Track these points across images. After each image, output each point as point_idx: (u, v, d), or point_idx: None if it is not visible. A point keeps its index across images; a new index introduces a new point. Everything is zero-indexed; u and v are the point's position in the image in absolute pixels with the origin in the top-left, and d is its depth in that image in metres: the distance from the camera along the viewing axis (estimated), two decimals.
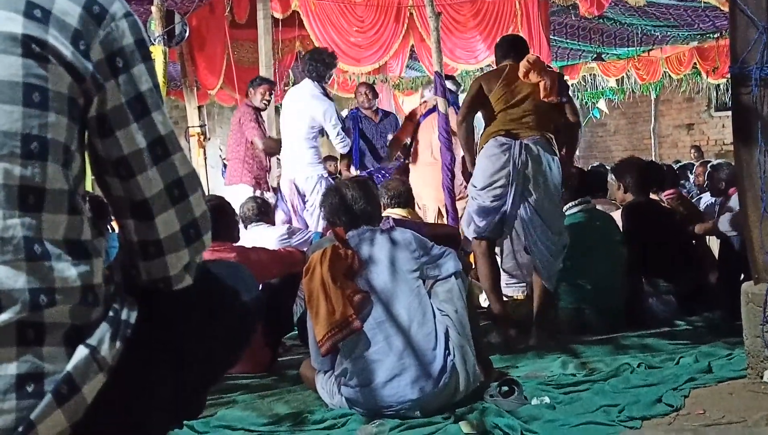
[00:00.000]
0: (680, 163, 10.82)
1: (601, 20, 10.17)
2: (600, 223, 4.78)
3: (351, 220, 3.15)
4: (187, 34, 6.92)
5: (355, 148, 6.79)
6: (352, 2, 8.14)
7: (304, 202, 5.91)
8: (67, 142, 1.14)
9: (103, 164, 1.22)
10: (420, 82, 11.21)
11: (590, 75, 14.00)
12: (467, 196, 4.55)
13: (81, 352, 1.13)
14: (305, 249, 4.40)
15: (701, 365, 3.38)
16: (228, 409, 3.10)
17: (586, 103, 14.93)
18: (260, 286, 3.88)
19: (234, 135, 6.31)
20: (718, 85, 13.47)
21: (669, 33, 11.34)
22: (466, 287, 3.15)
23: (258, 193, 6.09)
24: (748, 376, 3.07)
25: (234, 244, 3.93)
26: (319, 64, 5.91)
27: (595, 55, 12.26)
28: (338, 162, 8.05)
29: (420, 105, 6.61)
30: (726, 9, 6.24)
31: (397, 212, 4.68)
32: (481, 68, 9.76)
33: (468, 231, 4.27)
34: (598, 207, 5.06)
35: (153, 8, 6.08)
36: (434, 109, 6.11)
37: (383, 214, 4.01)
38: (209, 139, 8.32)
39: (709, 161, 7.81)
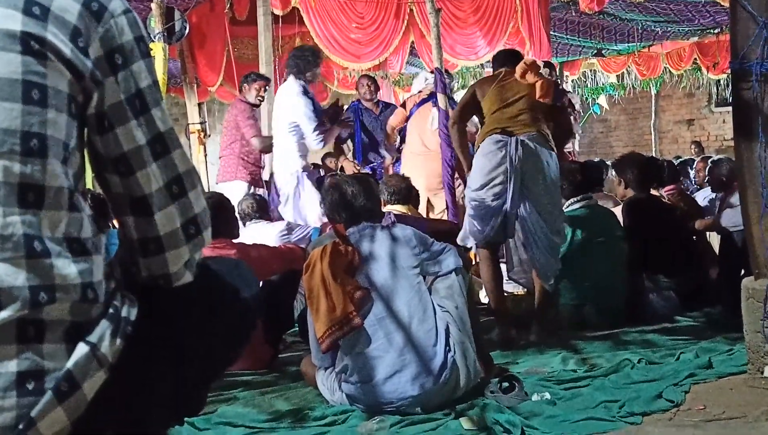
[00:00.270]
0: (681, 159, 10.82)
1: (601, 16, 10.17)
2: (601, 219, 4.78)
3: (351, 217, 3.15)
4: (187, 31, 6.91)
5: (357, 140, 6.80)
6: None
7: (278, 196, 5.90)
8: (67, 140, 1.14)
9: (103, 161, 1.22)
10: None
11: (590, 71, 14.00)
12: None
13: (81, 349, 1.13)
14: (305, 245, 4.40)
15: (702, 361, 3.38)
16: (229, 405, 3.11)
17: (587, 99, 14.91)
18: (260, 282, 3.89)
19: (229, 131, 6.30)
20: (719, 81, 13.47)
21: (669, 28, 11.33)
22: (467, 283, 3.15)
23: (253, 189, 6.10)
24: (748, 372, 3.07)
25: (234, 241, 3.93)
26: (300, 61, 5.89)
27: (596, 51, 12.25)
28: (337, 158, 8.04)
29: (412, 96, 6.62)
30: (726, 4, 6.24)
31: (397, 208, 4.69)
32: (482, 64, 9.77)
33: (467, 242, 4.22)
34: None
35: (153, 5, 6.09)
36: (427, 99, 6.14)
37: (384, 211, 4.00)
38: (209, 136, 8.32)
39: (710, 157, 7.82)
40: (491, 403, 2.88)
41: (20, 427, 1.08)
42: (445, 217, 5.69)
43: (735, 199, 4.42)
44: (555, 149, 4.22)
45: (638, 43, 11.84)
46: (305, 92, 5.81)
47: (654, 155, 12.69)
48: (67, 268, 1.12)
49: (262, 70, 6.86)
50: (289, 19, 7.75)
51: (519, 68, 4.24)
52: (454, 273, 3.08)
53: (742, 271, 4.06)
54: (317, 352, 3.06)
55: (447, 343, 2.92)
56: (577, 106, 8.13)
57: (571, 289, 4.57)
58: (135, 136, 1.21)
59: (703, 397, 2.93)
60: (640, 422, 2.70)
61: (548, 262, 4.18)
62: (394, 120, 6.54)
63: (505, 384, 2.99)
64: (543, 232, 4.12)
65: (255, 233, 4.73)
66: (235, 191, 5.81)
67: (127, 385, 1.20)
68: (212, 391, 2.88)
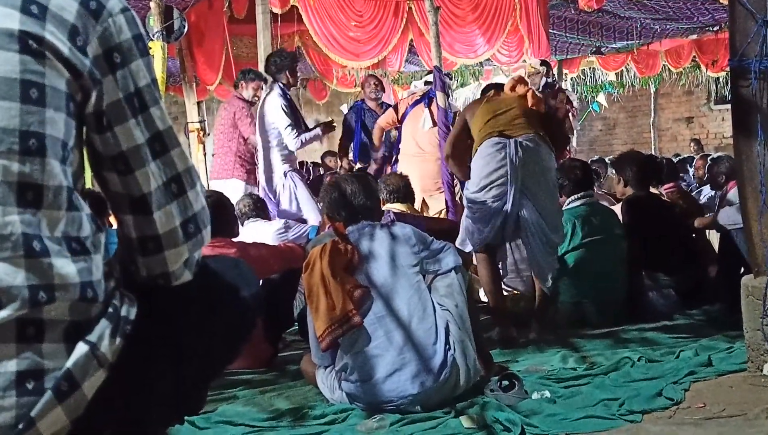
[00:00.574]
0: (680, 157, 10.84)
1: (600, 14, 10.16)
2: (601, 217, 4.78)
3: (351, 215, 3.15)
4: (185, 29, 6.91)
5: (356, 140, 6.79)
6: None
7: (268, 197, 5.89)
8: (66, 139, 1.14)
9: (102, 160, 1.22)
10: (420, 76, 11.20)
11: (589, 69, 14.00)
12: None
13: (81, 348, 1.13)
14: (302, 243, 4.40)
15: (701, 359, 3.38)
16: (229, 404, 3.11)
17: (586, 96, 14.91)
18: (260, 281, 3.89)
19: (225, 129, 6.29)
20: (718, 78, 13.47)
21: (668, 26, 11.32)
22: (466, 282, 3.15)
23: (248, 188, 6.11)
24: (748, 370, 3.07)
25: (233, 240, 3.93)
26: (271, 65, 5.93)
27: (595, 49, 12.25)
28: (337, 157, 8.05)
29: (407, 96, 6.62)
30: (725, 2, 6.24)
31: (396, 207, 4.68)
32: (481, 63, 9.77)
33: (465, 246, 4.21)
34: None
35: (152, 4, 6.08)
36: (420, 100, 6.14)
37: (383, 209, 4.00)
38: (208, 134, 8.33)
39: (709, 154, 7.83)
40: (491, 401, 2.88)
41: (20, 426, 1.08)
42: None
43: (734, 196, 4.42)
44: (553, 150, 4.23)
45: (637, 41, 11.83)
46: (282, 94, 5.82)
47: (653, 153, 12.72)
48: (66, 267, 1.12)
49: (261, 68, 6.85)
50: (287, 18, 7.74)
51: (508, 82, 4.35)
52: (453, 271, 3.08)
53: (742, 269, 4.07)
54: (317, 351, 3.06)
55: (447, 342, 2.92)
56: (574, 103, 8.12)
57: (570, 287, 4.57)
58: (134, 135, 1.21)
59: (703, 395, 2.93)
60: (639, 420, 2.70)
61: (546, 261, 4.17)
62: (382, 120, 6.54)
63: (505, 382, 2.98)
64: (542, 232, 4.12)
65: (253, 232, 4.74)
66: (232, 190, 5.81)
67: (127, 384, 1.20)
68: (212, 389, 2.88)
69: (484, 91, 4.76)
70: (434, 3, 5.66)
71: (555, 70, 11.72)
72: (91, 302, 1.15)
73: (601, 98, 14.95)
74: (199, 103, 8.81)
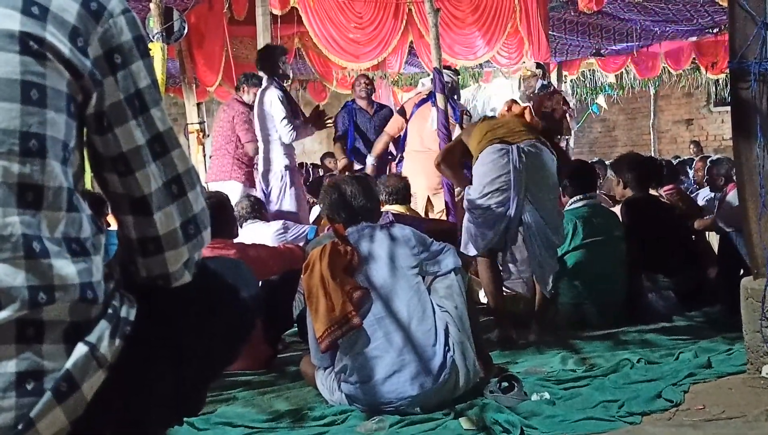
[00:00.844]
0: (679, 159, 10.83)
1: (600, 16, 10.17)
2: (602, 218, 4.79)
3: (350, 217, 3.15)
4: (185, 31, 6.91)
5: (350, 140, 6.79)
6: None
7: (265, 195, 5.89)
8: (66, 139, 1.14)
9: (102, 161, 1.22)
10: (420, 78, 11.21)
11: (589, 71, 14.00)
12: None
13: (80, 349, 1.13)
14: (301, 244, 4.40)
15: (701, 360, 3.38)
16: (228, 405, 3.11)
17: (585, 98, 14.92)
18: (260, 282, 3.89)
19: (224, 131, 6.30)
20: (717, 81, 13.47)
21: (668, 28, 11.33)
22: (466, 283, 3.15)
23: (246, 190, 6.11)
24: (747, 372, 3.07)
25: (233, 241, 3.93)
26: (265, 61, 5.94)
27: (594, 51, 12.25)
28: (336, 158, 8.03)
29: (412, 97, 6.61)
30: (725, 4, 6.24)
31: (395, 209, 4.68)
32: (481, 64, 9.77)
33: (469, 250, 4.22)
34: None
35: (151, 5, 6.09)
36: (427, 99, 6.13)
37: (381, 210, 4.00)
38: (208, 136, 8.33)
39: (709, 156, 7.83)
40: (490, 402, 2.88)
41: (19, 427, 1.08)
42: (444, 217, 5.69)
43: (733, 198, 4.43)
44: (554, 154, 4.25)
45: (637, 43, 11.83)
46: (279, 87, 5.83)
47: (653, 155, 12.71)
48: (66, 268, 1.12)
49: None
50: (287, 19, 7.75)
51: (504, 105, 4.53)
52: (453, 273, 3.08)
53: (741, 271, 4.07)
54: (316, 352, 3.06)
55: (446, 343, 2.92)
56: (571, 104, 8.13)
57: (570, 289, 4.57)
58: (134, 136, 1.21)
59: (702, 396, 2.93)
60: (639, 422, 2.70)
61: (548, 263, 4.18)
62: (391, 128, 6.48)
63: (505, 384, 2.99)
64: (545, 235, 4.13)
65: (252, 233, 4.75)
66: (230, 192, 5.80)
67: (126, 385, 1.20)
68: (211, 391, 2.88)
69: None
70: (434, 5, 5.67)
71: (555, 72, 11.74)
72: (91, 303, 1.15)
73: (601, 100, 14.95)
74: (198, 105, 8.81)
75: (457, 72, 7.06)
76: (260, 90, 5.95)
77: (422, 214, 5.68)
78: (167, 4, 6.87)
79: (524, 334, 4.20)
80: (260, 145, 5.94)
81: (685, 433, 2.56)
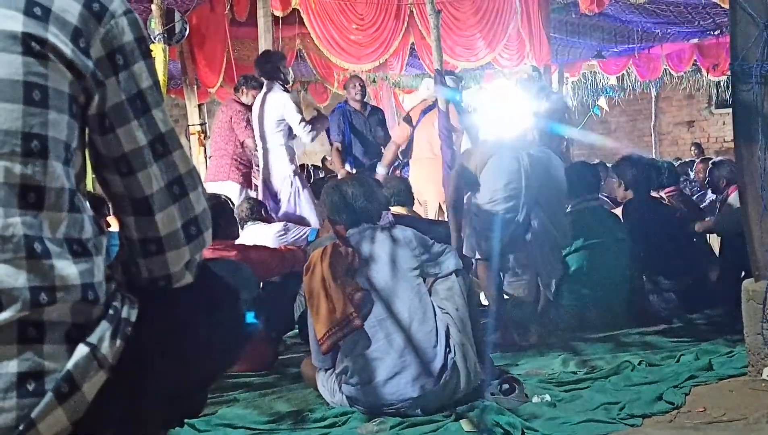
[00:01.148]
0: (681, 161, 10.82)
1: (601, 18, 10.16)
2: (605, 221, 4.79)
3: (352, 218, 3.15)
4: (187, 32, 6.92)
5: (347, 142, 6.79)
6: (352, 0, 8.13)
7: (273, 201, 5.89)
8: (68, 140, 1.14)
9: (104, 161, 1.22)
10: (421, 79, 11.21)
11: (590, 72, 13.99)
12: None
13: (81, 350, 1.13)
14: (302, 245, 4.40)
15: (702, 363, 3.38)
16: (229, 407, 3.11)
17: (587, 100, 14.91)
18: (261, 284, 3.89)
19: (222, 132, 6.31)
20: (719, 82, 13.46)
21: (669, 30, 11.32)
22: (467, 285, 3.15)
23: (245, 191, 6.12)
24: (748, 374, 3.07)
25: (234, 243, 3.93)
26: (266, 65, 5.95)
27: (596, 53, 12.25)
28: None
29: (418, 104, 6.61)
30: (726, 6, 6.23)
31: (396, 210, 4.68)
32: (481, 66, 9.76)
33: (473, 254, 4.21)
34: None
35: (153, 6, 6.08)
36: (433, 106, 6.12)
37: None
38: (209, 137, 8.32)
39: (710, 158, 7.82)
40: (491, 404, 2.88)
41: (20, 428, 1.08)
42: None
43: (734, 200, 4.43)
44: (560, 159, 4.30)
45: (638, 45, 11.83)
46: (285, 90, 5.84)
47: (654, 157, 12.70)
48: (67, 269, 1.12)
49: None
50: (289, 21, 7.75)
51: None
52: (454, 274, 3.09)
53: (743, 273, 4.06)
54: (317, 354, 3.06)
55: (447, 345, 2.92)
56: (569, 105, 8.14)
57: (571, 291, 4.57)
58: (136, 137, 1.21)
59: (704, 399, 2.93)
60: (640, 424, 2.70)
61: (554, 267, 4.20)
62: (398, 136, 6.47)
63: (506, 386, 2.99)
64: (553, 240, 4.15)
65: (252, 235, 4.75)
66: (228, 192, 5.81)
67: (128, 386, 1.20)
68: (212, 392, 2.88)
69: None
70: (435, 6, 5.67)
71: (556, 74, 11.73)
72: (92, 304, 1.15)
73: (602, 102, 14.95)
74: (200, 106, 8.81)
75: (460, 77, 7.06)
76: (263, 93, 5.95)
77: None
78: (169, 5, 6.87)
79: (525, 336, 4.19)
80: (260, 150, 5.94)
81: None
